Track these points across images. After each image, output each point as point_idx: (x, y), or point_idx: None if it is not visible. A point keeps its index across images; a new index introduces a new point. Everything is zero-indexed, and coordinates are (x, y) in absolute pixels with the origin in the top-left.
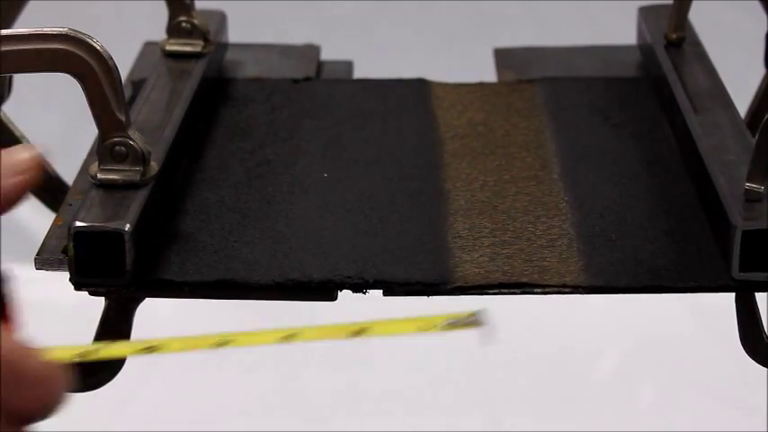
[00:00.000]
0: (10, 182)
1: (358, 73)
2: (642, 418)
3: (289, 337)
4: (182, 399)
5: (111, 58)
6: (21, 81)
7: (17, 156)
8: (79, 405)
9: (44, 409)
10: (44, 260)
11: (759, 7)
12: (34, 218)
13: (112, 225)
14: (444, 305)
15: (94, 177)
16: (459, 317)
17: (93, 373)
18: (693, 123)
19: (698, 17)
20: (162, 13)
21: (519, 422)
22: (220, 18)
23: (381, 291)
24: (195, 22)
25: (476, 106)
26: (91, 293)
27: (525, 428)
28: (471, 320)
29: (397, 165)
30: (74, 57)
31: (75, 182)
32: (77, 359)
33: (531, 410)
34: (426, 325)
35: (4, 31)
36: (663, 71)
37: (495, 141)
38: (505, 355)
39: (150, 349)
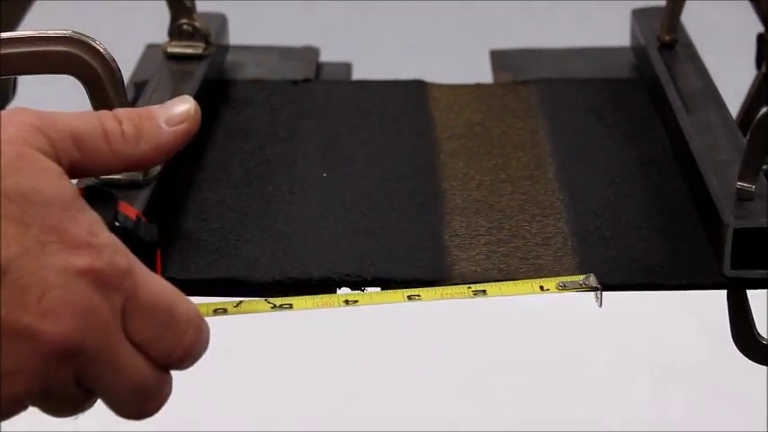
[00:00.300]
0: (171, 130)
1: (356, 74)
2: (641, 417)
3: (412, 297)
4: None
5: (114, 60)
6: (25, 83)
7: (176, 108)
8: None
9: (188, 357)
10: None
11: (750, 9)
12: None
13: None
14: (443, 304)
15: (97, 177)
16: (572, 280)
17: None
18: (686, 123)
19: (690, 19)
20: (164, 16)
21: (519, 422)
22: (221, 21)
23: (380, 288)
24: (196, 24)
25: (472, 107)
26: None
27: (525, 428)
28: (583, 283)
29: (395, 165)
30: (77, 59)
31: (79, 182)
32: (219, 314)
33: (531, 409)
34: (540, 286)
35: (8, 34)
36: (656, 72)
37: (492, 141)
38: (502, 352)
39: (285, 307)
